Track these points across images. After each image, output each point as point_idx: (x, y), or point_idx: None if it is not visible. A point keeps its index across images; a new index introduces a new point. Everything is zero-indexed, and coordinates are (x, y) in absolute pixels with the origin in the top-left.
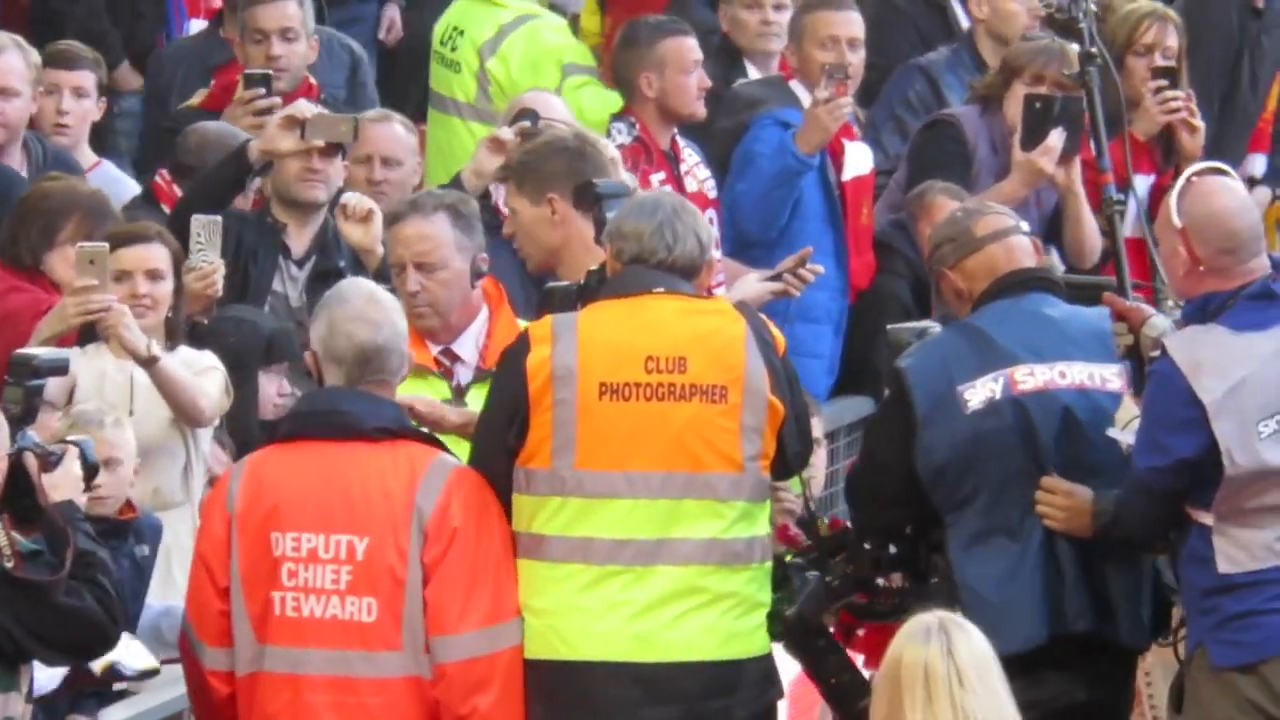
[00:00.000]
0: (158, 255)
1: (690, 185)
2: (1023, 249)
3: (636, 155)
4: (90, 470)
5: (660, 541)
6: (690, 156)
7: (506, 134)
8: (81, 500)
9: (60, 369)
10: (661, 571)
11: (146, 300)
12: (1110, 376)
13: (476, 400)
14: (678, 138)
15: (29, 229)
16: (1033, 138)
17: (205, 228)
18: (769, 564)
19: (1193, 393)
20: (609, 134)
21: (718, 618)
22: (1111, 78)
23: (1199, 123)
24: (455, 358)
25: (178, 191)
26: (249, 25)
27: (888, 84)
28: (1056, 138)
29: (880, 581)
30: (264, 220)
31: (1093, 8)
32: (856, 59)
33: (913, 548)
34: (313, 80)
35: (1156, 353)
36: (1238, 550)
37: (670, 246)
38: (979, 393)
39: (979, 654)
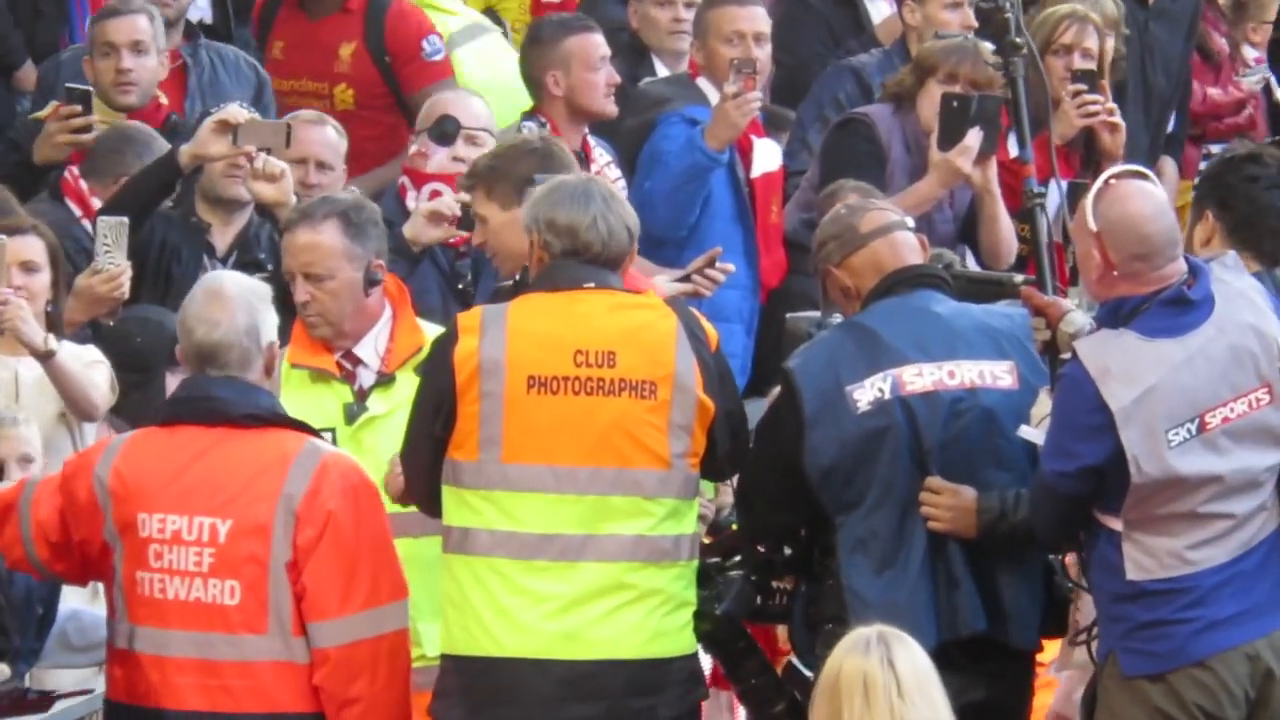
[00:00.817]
0: (32, 247)
1: None
2: (908, 245)
3: None
4: None
5: (587, 537)
6: (601, 156)
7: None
8: None
9: None
10: (588, 567)
11: (22, 292)
12: (1001, 373)
13: (378, 402)
14: (588, 138)
15: None
16: (950, 137)
17: (112, 229)
18: (696, 563)
19: (1101, 399)
20: (520, 130)
21: (644, 615)
22: (1038, 71)
23: (1120, 121)
24: (357, 361)
25: (84, 187)
26: (98, 39)
27: (816, 83)
28: (974, 137)
29: (775, 584)
30: (188, 220)
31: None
32: (763, 54)
33: (806, 550)
34: (163, 99)
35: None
36: (1146, 558)
37: (605, 241)
38: (867, 393)
39: (919, 666)
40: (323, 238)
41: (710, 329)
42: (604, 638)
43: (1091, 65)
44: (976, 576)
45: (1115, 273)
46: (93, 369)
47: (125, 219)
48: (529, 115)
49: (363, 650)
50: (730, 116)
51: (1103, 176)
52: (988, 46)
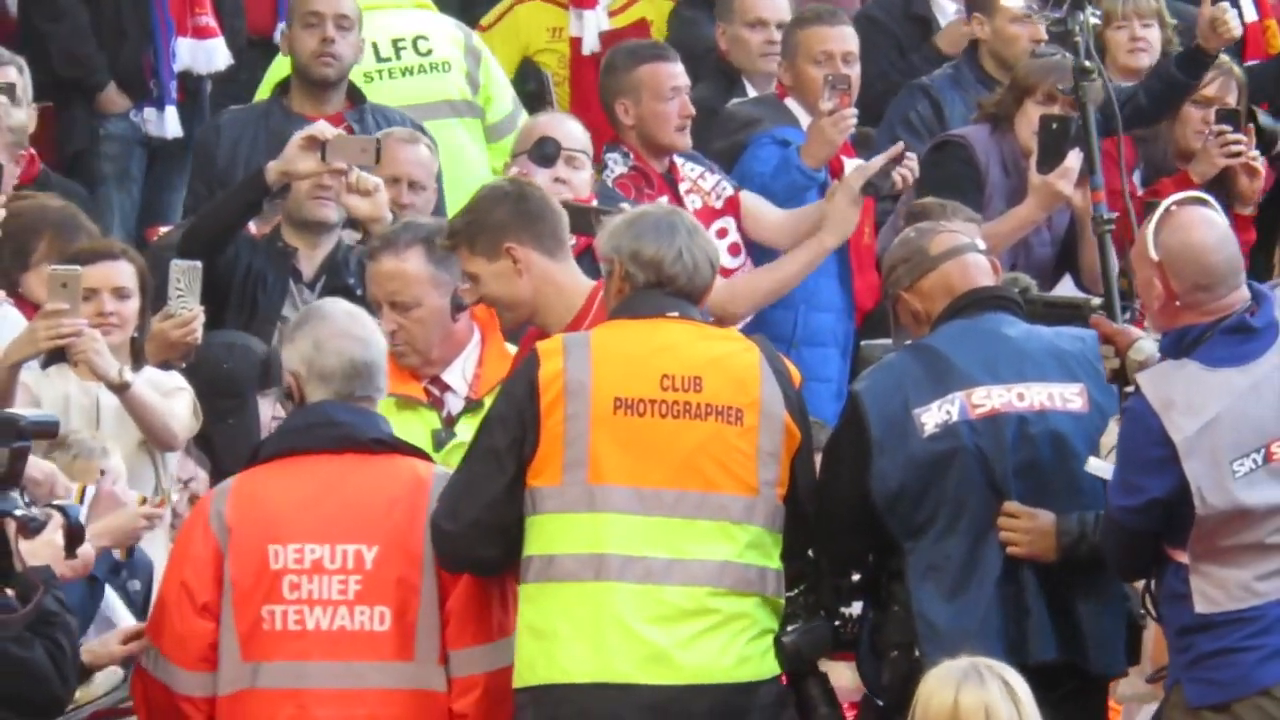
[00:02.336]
0: (124, 273)
1: (693, 203)
2: (979, 267)
3: (637, 183)
4: (76, 535)
5: (673, 561)
6: (690, 172)
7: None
8: (61, 568)
9: (49, 431)
10: (673, 590)
11: (113, 319)
12: (1071, 396)
13: (467, 429)
14: (674, 159)
15: (1, 252)
16: (1049, 159)
17: (185, 274)
18: (781, 601)
19: (1164, 431)
20: (605, 165)
21: (729, 639)
22: (1108, 92)
23: (1260, 167)
24: (445, 387)
25: None
26: (300, 7)
27: (890, 105)
28: (1074, 159)
29: (844, 611)
30: (274, 245)
31: (1092, 21)
32: (853, 73)
33: (875, 576)
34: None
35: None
36: (1215, 589)
37: (690, 275)
38: (935, 416)
39: (1028, 694)
40: (408, 265)
41: (793, 367)
42: (690, 662)
43: (1234, 105)
44: (1050, 603)
45: (1177, 302)
46: (174, 397)
47: (198, 263)
48: (611, 146)
49: (508, 677)
50: (827, 134)
51: (1164, 204)
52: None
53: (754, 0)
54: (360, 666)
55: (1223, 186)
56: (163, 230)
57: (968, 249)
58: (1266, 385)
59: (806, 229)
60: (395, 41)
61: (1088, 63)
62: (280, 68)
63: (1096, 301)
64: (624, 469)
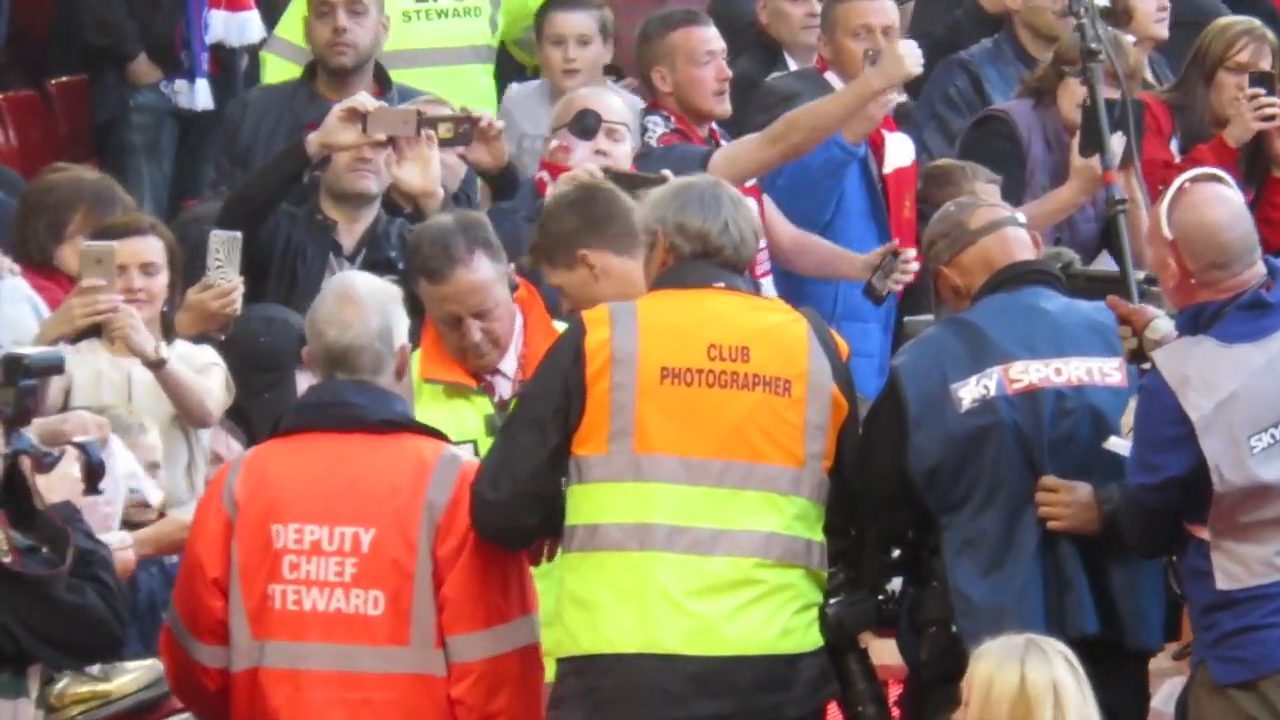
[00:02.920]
0: (153, 248)
1: None
2: (1019, 241)
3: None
4: (95, 471)
5: (719, 531)
6: None
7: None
8: (80, 502)
9: (54, 368)
10: (719, 561)
11: (142, 294)
12: (1110, 370)
13: None
14: (715, 126)
15: (35, 224)
16: (1092, 143)
17: (225, 244)
18: (825, 574)
19: (1180, 409)
20: (644, 129)
21: (774, 611)
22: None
23: None
24: (495, 371)
25: None
26: None
27: (928, 81)
28: (1117, 142)
29: (885, 587)
30: (313, 218)
31: (1098, 3)
32: None
33: (914, 552)
34: None
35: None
36: (1236, 566)
37: (737, 246)
38: (972, 391)
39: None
40: (480, 275)
41: (841, 340)
42: (735, 633)
43: (1269, 69)
44: (1091, 577)
45: (1192, 280)
46: (207, 373)
47: (238, 234)
48: (650, 110)
49: (506, 663)
50: (867, 109)
51: (1177, 181)
52: (1129, 39)
53: None
54: (355, 650)
55: (1260, 152)
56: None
57: (1008, 223)
58: None
59: (815, 256)
60: None
61: (1094, 44)
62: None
63: (1142, 274)
64: (671, 438)
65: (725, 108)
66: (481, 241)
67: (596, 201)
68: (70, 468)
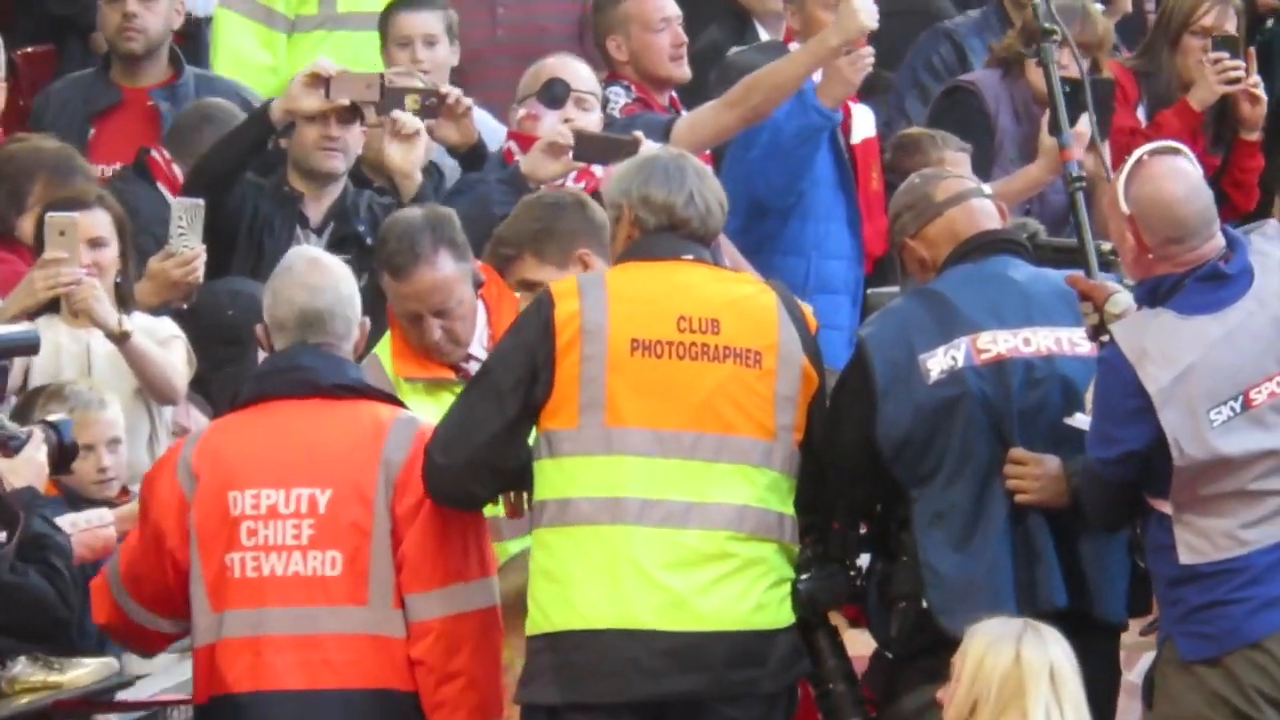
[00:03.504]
0: (99, 221)
1: None
2: (985, 212)
3: (644, 111)
4: (68, 452)
5: (691, 504)
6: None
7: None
8: (42, 485)
9: (28, 347)
10: (692, 534)
11: (91, 270)
12: (1079, 340)
13: None
14: (674, 95)
15: None
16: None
17: (187, 211)
18: (796, 548)
19: (1138, 382)
20: (606, 100)
21: (747, 585)
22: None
23: (1261, 93)
24: (469, 358)
25: (176, 170)
26: None
27: (911, 49)
28: (1085, 122)
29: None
30: (280, 189)
31: None
32: None
33: (882, 526)
34: None
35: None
36: (1199, 539)
37: (703, 218)
38: (940, 362)
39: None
40: (443, 273)
41: (809, 311)
42: (708, 608)
43: (1232, 33)
44: (1060, 550)
45: (1150, 255)
46: (168, 346)
47: (200, 201)
48: (611, 81)
49: (465, 623)
50: (844, 73)
51: (1134, 154)
52: (1098, 7)
53: None
54: (315, 611)
55: (1225, 115)
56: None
57: (973, 194)
58: (1241, 332)
59: None
60: None
61: (1047, 23)
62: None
63: (1106, 246)
64: (642, 411)
65: (684, 72)
66: (447, 240)
67: (590, 208)
68: (36, 452)
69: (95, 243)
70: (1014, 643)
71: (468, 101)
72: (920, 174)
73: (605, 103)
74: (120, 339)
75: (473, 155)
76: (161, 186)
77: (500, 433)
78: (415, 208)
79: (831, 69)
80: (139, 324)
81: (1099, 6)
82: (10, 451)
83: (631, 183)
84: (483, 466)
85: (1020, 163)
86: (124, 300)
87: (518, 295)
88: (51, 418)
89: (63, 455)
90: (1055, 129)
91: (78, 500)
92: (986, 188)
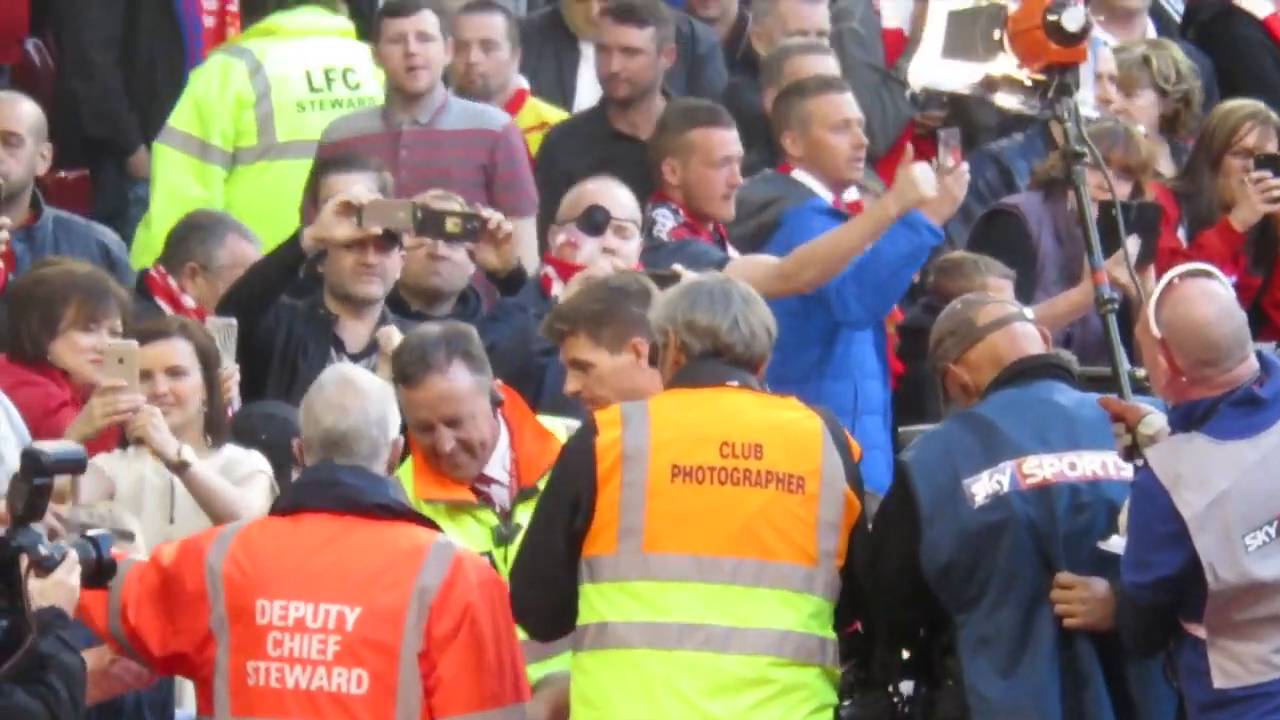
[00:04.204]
0: (180, 350)
1: None
2: (1027, 336)
3: (691, 234)
4: (105, 568)
5: (732, 629)
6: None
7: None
8: (71, 608)
9: (73, 466)
10: (733, 660)
11: (169, 398)
12: (1124, 464)
13: (526, 517)
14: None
15: (28, 318)
16: (1107, 247)
17: (220, 331)
18: (839, 672)
19: (1173, 507)
20: (653, 222)
21: (788, 710)
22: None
23: None
24: (489, 480)
25: (171, 284)
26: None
27: None
28: (1132, 245)
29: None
30: (315, 311)
31: (1085, 112)
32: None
33: (925, 651)
34: None
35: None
36: (1233, 664)
37: (748, 343)
38: (985, 486)
39: None
40: (457, 384)
41: (853, 440)
42: None
43: (1274, 151)
44: (1109, 673)
45: (1183, 378)
46: (249, 482)
47: (233, 320)
48: (658, 202)
49: None
50: (952, 191)
51: (1165, 278)
52: (1139, 130)
53: (802, 63)
54: None
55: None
56: None
57: (1015, 318)
58: (1276, 456)
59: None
60: (327, 71)
61: (1079, 146)
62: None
63: (1141, 373)
64: (681, 536)
65: (730, 212)
66: (461, 352)
67: (651, 293)
68: (68, 575)
69: (174, 371)
70: None
71: (509, 226)
72: (962, 299)
73: (651, 225)
74: (179, 468)
75: (511, 280)
76: (161, 301)
77: (563, 561)
78: (433, 325)
79: (941, 188)
80: (227, 456)
81: (1141, 129)
82: (43, 572)
83: (677, 308)
84: (557, 594)
85: (1062, 285)
86: (212, 430)
87: (570, 382)
88: (92, 532)
89: (100, 571)
90: (1088, 251)
91: None
92: (1029, 311)
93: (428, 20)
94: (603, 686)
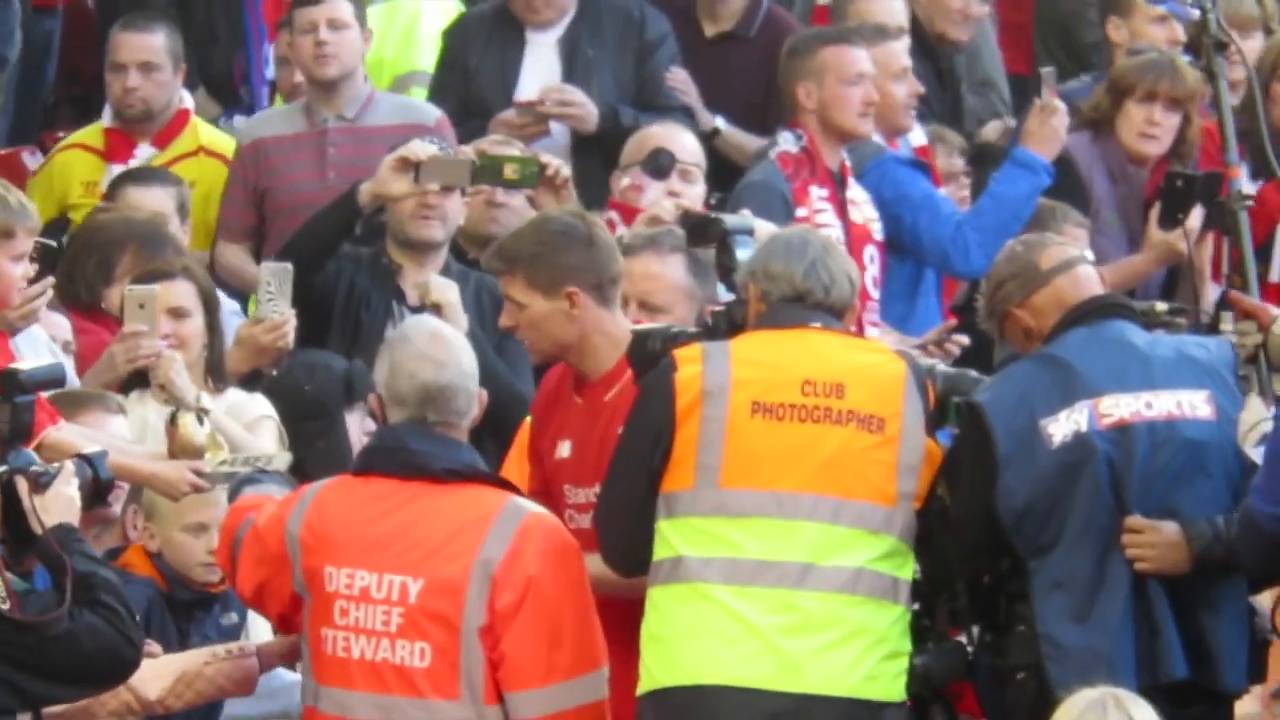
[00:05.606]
0: (182, 292)
1: (855, 215)
2: (1090, 279)
3: (800, 166)
4: (102, 486)
5: (808, 566)
6: (861, 192)
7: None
8: (75, 520)
9: (53, 382)
10: (806, 596)
11: (171, 340)
12: (1199, 403)
13: None
14: (845, 160)
15: (84, 264)
16: (1172, 217)
17: (275, 275)
18: (909, 614)
19: None
20: (775, 141)
21: (860, 653)
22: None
23: None
24: None
25: None
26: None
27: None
28: (1196, 217)
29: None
30: (378, 262)
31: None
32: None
33: (989, 598)
34: None
35: None
36: None
37: (827, 287)
38: (1063, 426)
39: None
40: (668, 269)
41: (932, 388)
42: (820, 672)
43: None
44: (1179, 619)
45: None
46: (257, 428)
47: (289, 265)
48: (786, 127)
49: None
50: (1055, 128)
51: None
52: (1184, 59)
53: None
54: (401, 701)
55: None
56: None
57: (1079, 261)
58: None
59: None
60: None
61: (1221, 35)
62: None
63: (1163, 306)
64: (759, 473)
65: (868, 128)
66: (690, 252)
67: (599, 242)
68: (66, 486)
69: (177, 313)
70: (1100, 713)
71: (567, 172)
72: (1022, 240)
73: (772, 144)
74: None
75: None
76: None
77: (646, 495)
78: None
79: (1045, 127)
80: (230, 401)
81: (1186, 58)
82: (40, 488)
83: (755, 260)
84: (640, 530)
85: (1118, 225)
86: (214, 373)
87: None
88: (86, 450)
89: (97, 490)
90: (1177, 224)
91: (179, 584)
92: (1089, 253)
93: (340, 7)
94: (673, 621)
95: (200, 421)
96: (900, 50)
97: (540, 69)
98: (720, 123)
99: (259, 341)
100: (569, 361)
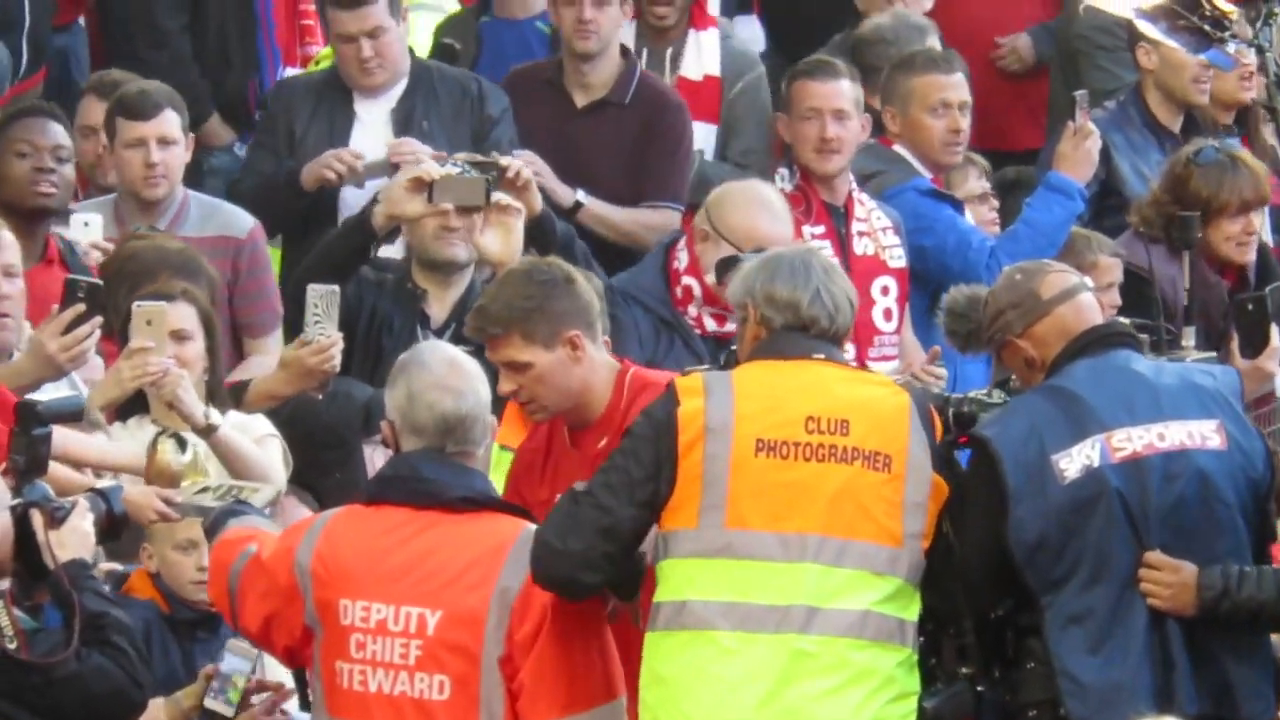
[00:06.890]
0: (183, 315)
1: (862, 248)
2: (1091, 307)
3: (795, 204)
4: (117, 521)
5: (813, 610)
6: (879, 220)
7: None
8: (89, 555)
9: (71, 415)
10: (811, 641)
11: (173, 362)
12: (1209, 433)
13: None
14: (856, 194)
15: (116, 291)
16: (1254, 342)
17: (323, 299)
18: (916, 657)
19: None
20: (775, 180)
21: (865, 697)
22: None
23: None
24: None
25: None
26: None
27: (1048, 142)
28: (1277, 335)
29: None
30: (402, 286)
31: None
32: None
33: (997, 633)
34: None
35: None
36: None
37: (831, 316)
38: (1075, 461)
39: None
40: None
41: (938, 419)
42: (825, 716)
43: None
44: (1194, 654)
45: None
46: (264, 445)
47: (336, 288)
48: (785, 164)
49: None
50: (1089, 151)
51: None
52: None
53: None
54: None
55: None
56: None
57: (1080, 289)
58: None
59: None
60: None
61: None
62: None
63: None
64: (764, 513)
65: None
66: None
67: (578, 284)
68: (81, 521)
69: (178, 336)
70: None
71: (528, 174)
72: (1021, 268)
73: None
74: (206, 432)
75: (538, 230)
76: None
77: (619, 525)
78: None
79: (1079, 151)
80: (234, 421)
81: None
82: (55, 522)
83: (755, 280)
84: (598, 556)
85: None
86: (213, 397)
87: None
88: (101, 485)
89: (112, 524)
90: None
91: (180, 605)
92: (1089, 280)
93: (170, 122)
94: (677, 665)
95: (182, 447)
96: (947, 84)
97: (372, 139)
98: (581, 195)
99: (305, 364)
100: (569, 415)
